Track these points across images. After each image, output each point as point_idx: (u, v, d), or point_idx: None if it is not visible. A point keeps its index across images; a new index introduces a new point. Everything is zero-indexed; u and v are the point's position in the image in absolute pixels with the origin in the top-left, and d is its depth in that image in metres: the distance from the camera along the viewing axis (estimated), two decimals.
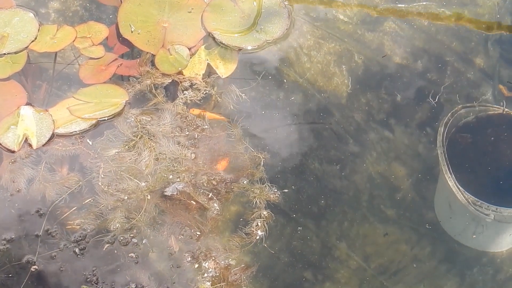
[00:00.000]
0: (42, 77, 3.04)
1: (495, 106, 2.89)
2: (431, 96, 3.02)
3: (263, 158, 2.89)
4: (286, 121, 2.99)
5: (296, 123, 2.99)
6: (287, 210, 2.81)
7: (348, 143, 2.95)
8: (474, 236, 2.75)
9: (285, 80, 3.10)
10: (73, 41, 3.08)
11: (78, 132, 2.88)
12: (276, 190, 2.83)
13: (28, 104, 2.92)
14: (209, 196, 2.80)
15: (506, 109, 2.85)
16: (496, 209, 2.60)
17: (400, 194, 2.86)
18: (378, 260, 2.73)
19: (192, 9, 3.14)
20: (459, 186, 2.63)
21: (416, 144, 2.95)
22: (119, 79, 3.04)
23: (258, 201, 2.79)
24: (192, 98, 2.99)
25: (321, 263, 2.72)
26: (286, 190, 2.84)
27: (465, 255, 2.77)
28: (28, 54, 3.06)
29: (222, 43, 3.12)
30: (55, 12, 3.21)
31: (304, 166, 2.90)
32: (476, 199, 2.61)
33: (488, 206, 2.60)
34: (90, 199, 2.77)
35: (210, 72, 3.08)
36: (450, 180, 2.65)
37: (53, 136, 2.87)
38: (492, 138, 2.82)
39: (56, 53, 3.09)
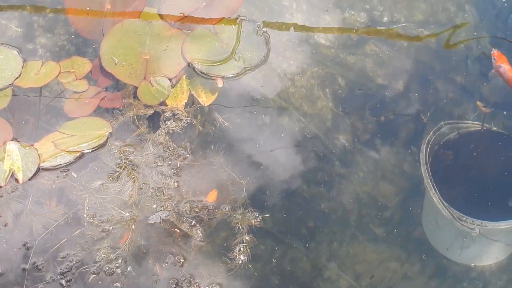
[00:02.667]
0: (30, 111, 3.08)
1: (475, 122, 2.92)
2: (418, 115, 3.05)
3: (245, 184, 2.91)
4: (272, 146, 3.02)
5: (282, 147, 3.02)
6: (276, 233, 2.83)
7: (334, 164, 2.98)
8: (460, 251, 2.77)
9: (270, 105, 3.13)
10: (57, 76, 3.12)
11: (63, 165, 2.92)
12: (258, 215, 2.86)
13: (14, 139, 2.97)
14: (192, 223, 2.83)
15: (486, 125, 2.88)
16: (481, 223, 2.63)
17: (388, 212, 2.89)
18: (368, 278, 2.74)
19: (167, 46, 3.19)
20: (444, 202, 2.67)
21: (401, 163, 2.98)
22: (103, 112, 3.08)
23: (240, 227, 2.81)
24: (174, 128, 3.02)
25: (312, 284, 2.74)
26: (267, 215, 2.86)
27: (454, 270, 2.78)
28: (13, 90, 3.10)
29: (202, 73, 3.16)
30: (42, 47, 3.26)
31: (291, 189, 2.94)
32: (461, 214, 2.65)
33: (473, 221, 2.63)
34: (76, 231, 2.80)
35: (193, 101, 3.12)
36: (435, 197, 2.68)
37: (38, 170, 2.91)
38: (474, 154, 2.84)
39: (41, 88, 3.13)
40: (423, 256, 2.82)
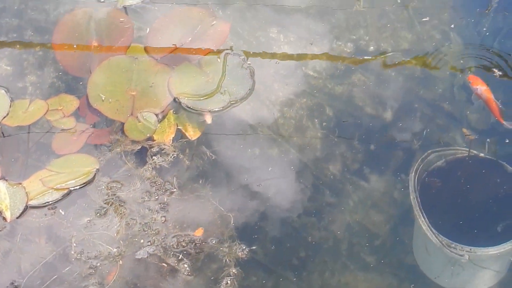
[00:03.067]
0: (19, 149, 3.11)
1: (462, 149, 2.94)
2: (407, 143, 3.07)
3: (233, 216, 2.92)
4: (261, 177, 3.03)
5: (272, 178, 3.04)
6: (268, 264, 2.84)
7: (324, 194, 2.99)
8: (451, 277, 2.77)
9: (259, 137, 3.15)
10: (45, 114, 3.16)
11: (51, 202, 2.94)
12: (244, 247, 2.87)
13: (2, 178, 2.99)
14: (179, 257, 2.84)
15: (472, 151, 2.90)
16: (470, 249, 2.64)
17: (378, 240, 2.89)
18: None
19: (153, 82, 3.23)
20: (432, 229, 2.68)
21: (391, 191, 2.99)
22: (91, 148, 3.11)
23: (227, 260, 2.82)
24: (160, 163, 3.04)
25: None
26: (254, 247, 2.87)
27: None
28: (1, 129, 3.13)
29: (188, 107, 3.19)
30: (32, 85, 3.30)
31: (282, 219, 2.95)
32: (450, 241, 2.65)
33: (462, 247, 2.64)
34: (63, 268, 2.81)
35: (181, 135, 3.14)
36: (424, 224, 2.69)
37: (26, 208, 2.93)
38: (462, 180, 2.86)
39: (29, 126, 3.16)
40: (411, 286, 2.81)
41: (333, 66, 3.36)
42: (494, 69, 3.26)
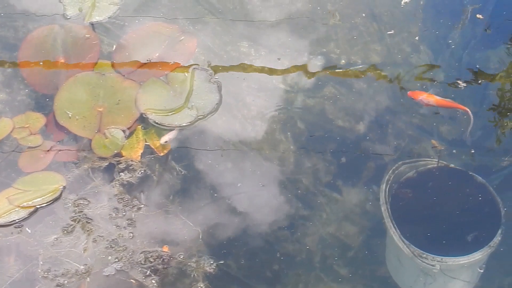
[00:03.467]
0: None
1: (432, 160, 2.96)
2: (378, 154, 3.08)
3: (201, 231, 2.91)
4: (232, 192, 3.03)
5: (244, 192, 3.04)
6: (241, 277, 2.83)
7: (297, 207, 2.99)
8: (424, 287, 2.77)
9: (231, 151, 3.15)
10: (11, 131, 3.15)
11: (17, 220, 2.92)
12: (212, 262, 2.86)
13: None
14: (147, 273, 2.82)
15: (442, 162, 2.92)
16: (441, 259, 2.64)
17: (351, 252, 2.89)
18: None
19: (119, 99, 3.22)
20: (404, 240, 2.68)
21: (363, 202, 2.99)
22: (58, 165, 3.09)
23: (195, 274, 2.81)
24: (128, 179, 3.03)
25: None
26: (222, 261, 2.86)
27: None
28: None
29: (156, 123, 3.18)
30: (1, 103, 3.28)
31: (254, 233, 2.94)
32: (421, 251, 2.66)
33: (433, 257, 2.64)
34: (31, 287, 2.79)
35: (150, 151, 3.14)
36: (395, 235, 2.70)
37: None
38: (433, 191, 2.87)
39: None
40: None
41: (304, 79, 3.37)
42: (459, 81, 3.29)
